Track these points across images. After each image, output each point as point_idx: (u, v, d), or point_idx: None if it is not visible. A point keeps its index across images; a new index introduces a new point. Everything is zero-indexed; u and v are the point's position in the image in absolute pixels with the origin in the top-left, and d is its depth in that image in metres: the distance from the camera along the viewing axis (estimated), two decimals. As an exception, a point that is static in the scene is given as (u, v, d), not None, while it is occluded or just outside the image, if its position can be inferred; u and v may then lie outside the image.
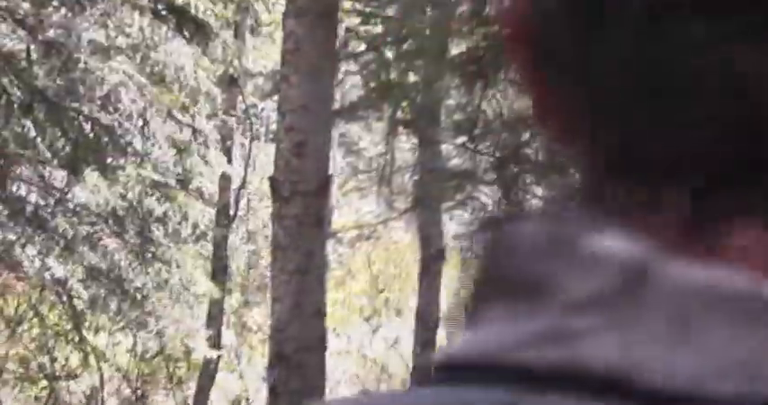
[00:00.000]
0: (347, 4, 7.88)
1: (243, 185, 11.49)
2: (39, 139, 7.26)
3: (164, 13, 7.47)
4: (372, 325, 15.52)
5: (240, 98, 10.94)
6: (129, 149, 7.73)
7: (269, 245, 8.99)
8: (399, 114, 7.25)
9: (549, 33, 0.43)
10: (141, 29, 7.60)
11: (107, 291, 7.87)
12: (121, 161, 7.74)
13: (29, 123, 7.17)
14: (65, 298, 8.68)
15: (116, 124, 7.48)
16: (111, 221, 7.82)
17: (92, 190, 7.61)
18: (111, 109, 7.43)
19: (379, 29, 8.04)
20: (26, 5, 7.09)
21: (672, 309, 0.38)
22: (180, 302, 8.29)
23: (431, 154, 11.63)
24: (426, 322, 12.57)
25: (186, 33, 7.54)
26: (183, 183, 8.33)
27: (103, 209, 7.74)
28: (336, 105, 7.73)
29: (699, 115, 0.40)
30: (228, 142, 10.60)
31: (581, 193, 0.44)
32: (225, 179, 10.72)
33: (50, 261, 7.65)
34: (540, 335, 0.39)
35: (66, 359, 10.87)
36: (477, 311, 0.43)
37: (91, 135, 7.45)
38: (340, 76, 7.92)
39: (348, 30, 8.17)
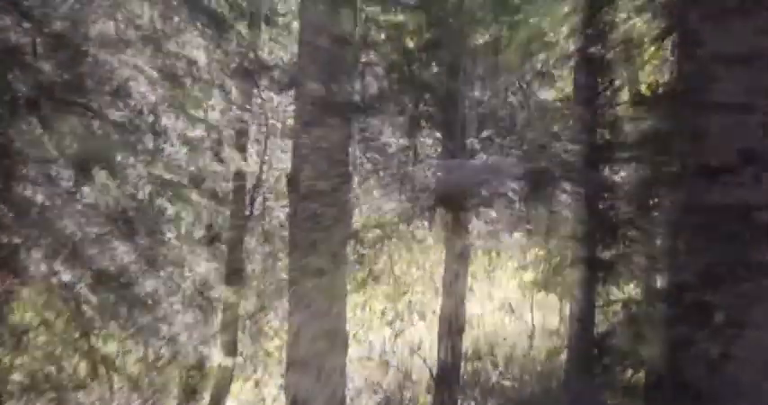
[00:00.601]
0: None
1: (259, 184, 11.54)
2: (45, 137, 7.27)
3: (175, 3, 7.52)
4: (395, 329, 15.52)
5: (255, 92, 10.99)
6: (140, 147, 7.75)
7: (286, 246, 9.07)
8: (421, 107, 7.32)
9: None
10: (152, 20, 7.65)
11: (117, 296, 7.88)
12: (131, 159, 7.76)
13: (35, 120, 7.20)
14: (72, 304, 8.71)
15: (126, 120, 7.51)
16: (120, 223, 7.84)
17: (101, 190, 7.65)
18: (120, 104, 7.46)
19: (400, 18, 8.09)
20: (31, -4, 7.10)
21: None
22: (193, 308, 8.33)
23: (454, 148, 11.67)
24: (451, 326, 12.60)
25: (199, 24, 7.58)
26: (196, 182, 8.36)
27: (113, 209, 7.77)
28: (356, 98, 7.80)
29: None
30: (243, 138, 10.64)
31: None
32: (240, 177, 10.78)
33: (57, 265, 7.66)
34: None
35: (75, 369, 10.93)
36: None
37: (99, 132, 7.48)
38: (359, 67, 7.97)
39: (368, 19, 8.23)
